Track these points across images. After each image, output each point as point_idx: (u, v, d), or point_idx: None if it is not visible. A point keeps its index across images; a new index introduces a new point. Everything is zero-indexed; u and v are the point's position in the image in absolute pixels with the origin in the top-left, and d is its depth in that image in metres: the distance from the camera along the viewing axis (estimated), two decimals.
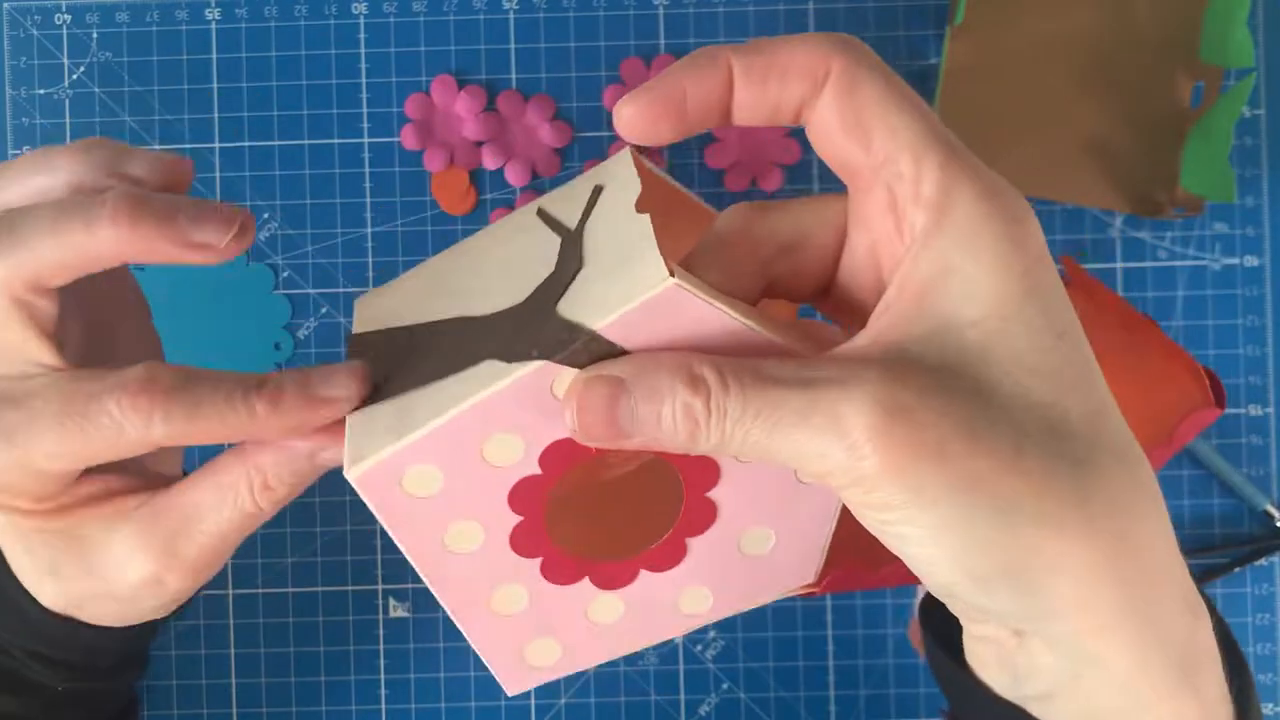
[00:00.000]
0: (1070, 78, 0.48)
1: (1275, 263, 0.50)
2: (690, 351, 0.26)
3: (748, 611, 0.49)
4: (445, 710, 0.50)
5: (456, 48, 0.50)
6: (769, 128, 0.49)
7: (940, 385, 0.24)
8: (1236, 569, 0.49)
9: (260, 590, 0.50)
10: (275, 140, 0.49)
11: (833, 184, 0.49)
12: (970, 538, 0.25)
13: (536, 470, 0.29)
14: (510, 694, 0.35)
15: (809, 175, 0.49)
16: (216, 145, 0.50)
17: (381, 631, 0.50)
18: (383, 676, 0.50)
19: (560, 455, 0.29)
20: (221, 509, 0.32)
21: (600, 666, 0.49)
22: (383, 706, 0.50)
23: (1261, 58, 0.49)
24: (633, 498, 0.31)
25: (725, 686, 0.50)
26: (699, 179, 0.50)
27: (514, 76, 0.49)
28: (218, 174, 0.50)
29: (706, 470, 0.30)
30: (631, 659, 0.49)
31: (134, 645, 0.37)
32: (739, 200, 0.49)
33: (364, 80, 0.50)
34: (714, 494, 0.31)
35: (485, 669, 0.49)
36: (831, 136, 0.26)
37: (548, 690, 0.49)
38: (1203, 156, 0.47)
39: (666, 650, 0.50)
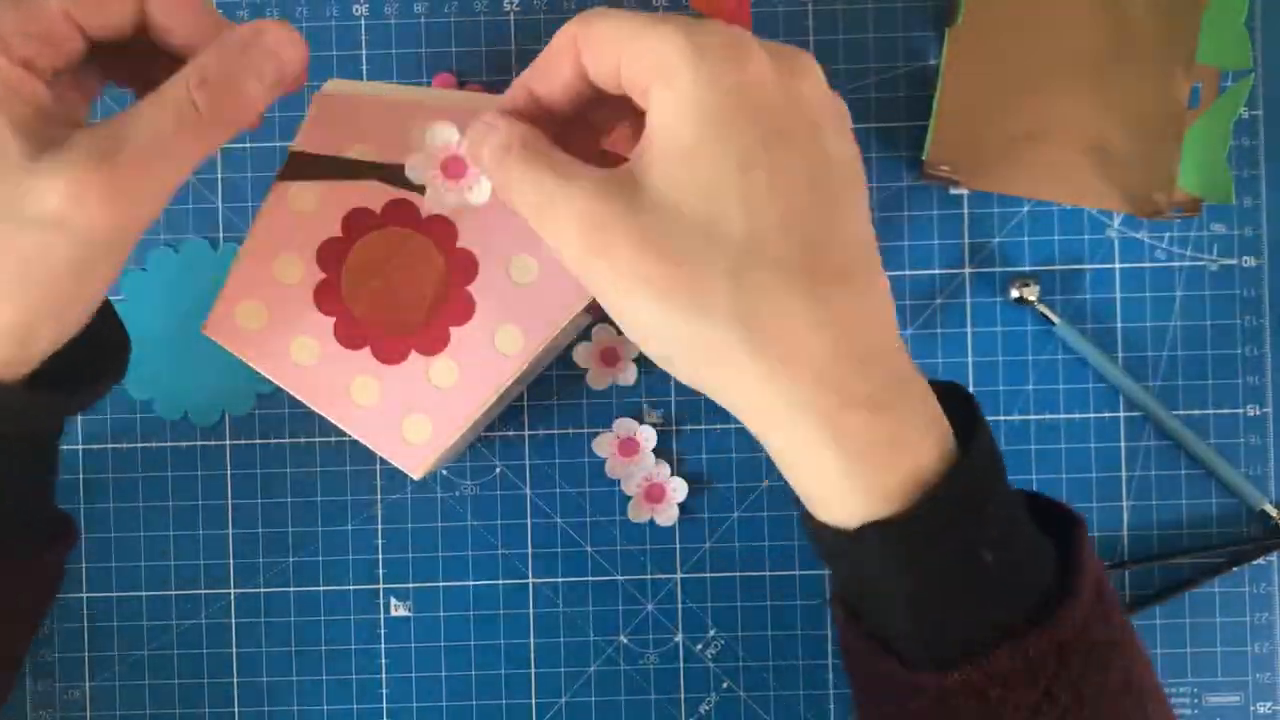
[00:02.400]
0: (1068, 79, 0.48)
1: (1273, 263, 0.50)
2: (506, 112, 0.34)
3: (748, 611, 0.49)
4: (446, 709, 0.50)
5: (457, 49, 0.50)
6: None
7: (628, 205, 0.30)
8: (1235, 568, 0.49)
9: (262, 589, 0.50)
10: (277, 141, 0.49)
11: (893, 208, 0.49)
12: (645, 324, 0.31)
13: (321, 274, 0.39)
14: (417, 477, 0.40)
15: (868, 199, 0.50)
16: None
17: (383, 630, 0.50)
18: (384, 675, 0.50)
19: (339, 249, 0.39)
20: (158, 112, 0.32)
21: (600, 666, 0.49)
22: (384, 705, 0.50)
23: (1259, 59, 0.49)
24: (409, 278, 0.39)
25: (725, 685, 0.50)
26: None
27: (514, 77, 0.50)
28: (219, 175, 0.50)
29: (451, 230, 0.39)
30: (631, 658, 0.50)
31: (33, 417, 0.36)
32: None
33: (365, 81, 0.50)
34: (467, 244, 0.39)
35: (486, 668, 0.49)
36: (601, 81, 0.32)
37: (548, 690, 0.50)
38: (1201, 157, 0.48)
39: (667, 649, 0.50)
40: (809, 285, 0.30)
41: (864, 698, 0.36)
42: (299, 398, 0.40)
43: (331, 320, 0.39)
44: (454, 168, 0.37)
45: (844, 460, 0.30)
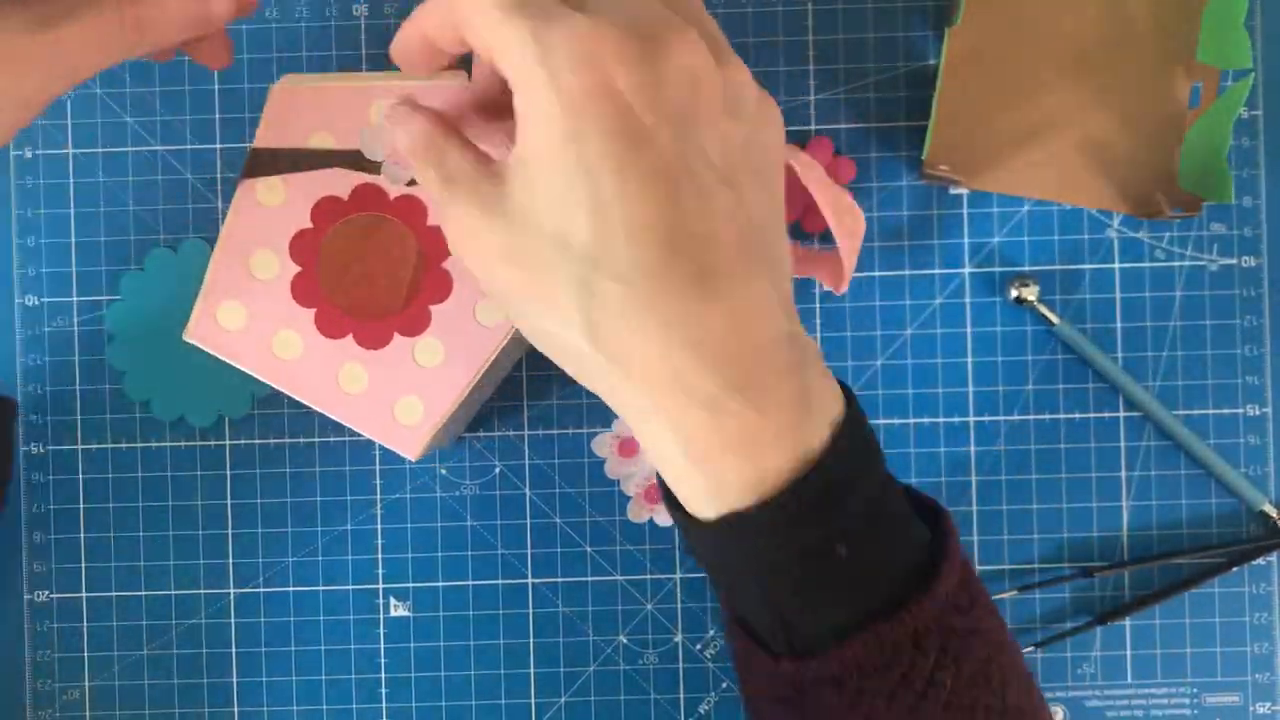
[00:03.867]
0: (1068, 79, 0.48)
1: (1273, 263, 0.50)
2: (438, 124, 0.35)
3: None
4: (446, 709, 0.50)
5: None
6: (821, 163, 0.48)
7: (493, 211, 0.32)
8: (1234, 568, 0.49)
9: (261, 589, 0.50)
10: None
11: (893, 208, 0.49)
12: (523, 328, 0.33)
13: (297, 269, 0.40)
14: (413, 458, 0.40)
15: (868, 199, 0.50)
16: (219, 146, 0.50)
17: (382, 630, 0.50)
18: (384, 675, 0.50)
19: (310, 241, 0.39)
20: (93, 13, 0.35)
21: (599, 666, 0.49)
22: (384, 705, 0.50)
23: (1259, 58, 0.49)
24: (384, 261, 0.40)
25: (725, 685, 0.50)
26: None
27: None
28: (219, 175, 0.50)
29: (420, 208, 0.39)
30: (631, 658, 0.50)
31: None
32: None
33: None
34: (438, 221, 0.39)
35: (485, 668, 0.49)
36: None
37: (548, 689, 0.50)
38: (1200, 157, 0.48)
39: (666, 649, 0.50)
40: (655, 292, 0.30)
41: (742, 682, 0.37)
42: (288, 393, 0.40)
43: (312, 312, 0.40)
44: None
45: (692, 458, 0.31)
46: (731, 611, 0.35)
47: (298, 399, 0.40)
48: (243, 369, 0.40)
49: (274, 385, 0.40)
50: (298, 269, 0.39)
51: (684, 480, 0.32)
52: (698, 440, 0.31)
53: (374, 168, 0.39)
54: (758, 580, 0.32)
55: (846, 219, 0.44)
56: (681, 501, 0.33)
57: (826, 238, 0.49)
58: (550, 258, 0.31)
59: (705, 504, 0.32)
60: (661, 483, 0.34)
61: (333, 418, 0.40)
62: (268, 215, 0.39)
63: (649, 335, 0.30)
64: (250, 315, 0.40)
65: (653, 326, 0.30)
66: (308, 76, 0.39)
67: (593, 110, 0.29)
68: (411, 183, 0.39)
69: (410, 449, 0.40)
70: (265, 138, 0.39)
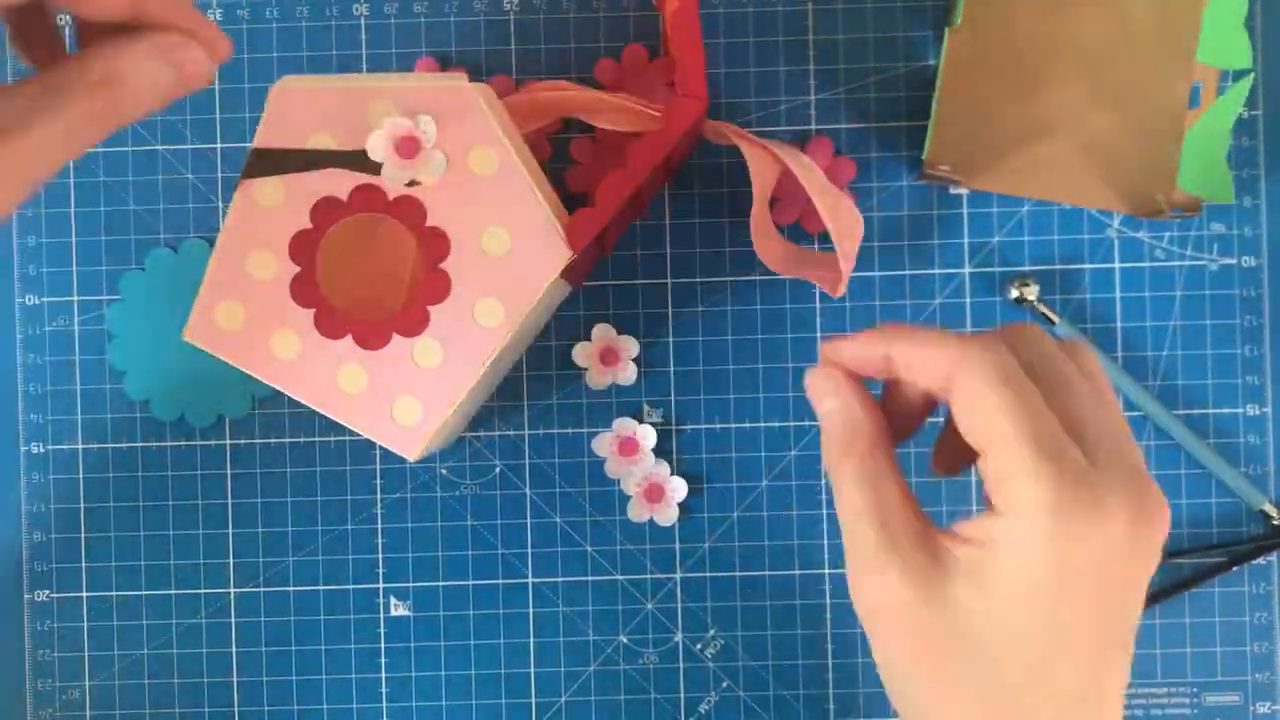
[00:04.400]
0: (1068, 79, 0.48)
1: (1273, 263, 0.50)
2: None
3: (747, 611, 0.49)
4: (446, 708, 0.50)
5: (458, 49, 0.50)
6: (793, 267, 0.48)
7: (948, 622, 0.31)
8: (1234, 568, 0.49)
9: (262, 589, 0.50)
10: None
11: (893, 208, 0.49)
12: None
13: (296, 268, 0.40)
14: (412, 459, 0.40)
15: (868, 199, 0.50)
16: (219, 146, 0.50)
17: (383, 630, 0.50)
18: (384, 675, 0.50)
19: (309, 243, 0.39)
20: (61, 102, 0.31)
21: (599, 665, 0.49)
22: (384, 705, 0.50)
23: (1259, 58, 0.49)
24: (383, 261, 0.39)
25: (725, 685, 0.50)
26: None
27: (515, 77, 0.50)
28: (220, 175, 0.50)
29: (419, 209, 0.39)
30: (631, 657, 0.50)
31: None
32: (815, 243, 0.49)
33: None
34: (437, 221, 0.39)
35: (486, 668, 0.49)
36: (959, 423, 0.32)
37: (548, 689, 0.50)
38: (1200, 157, 0.48)
39: (666, 649, 0.50)
40: None
41: None
42: (286, 392, 0.40)
43: (310, 312, 0.40)
44: (407, 148, 0.38)
45: None
46: None
47: (296, 398, 0.40)
48: (241, 368, 0.40)
49: (272, 385, 0.40)
50: (296, 269, 0.39)
51: None
52: None
53: (374, 168, 0.39)
54: None
55: (844, 221, 0.44)
56: None
57: (826, 239, 0.49)
58: (998, 694, 0.30)
59: None
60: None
61: (331, 418, 0.40)
62: (266, 216, 0.39)
63: None
64: (248, 315, 0.40)
65: None
66: (307, 78, 0.39)
67: (1090, 572, 0.30)
68: (412, 183, 0.39)
69: (409, 449, 0.40)
70: (265, 138, 0.39)
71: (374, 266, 0.40)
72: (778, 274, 0.47)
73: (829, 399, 0.34)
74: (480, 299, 0.40)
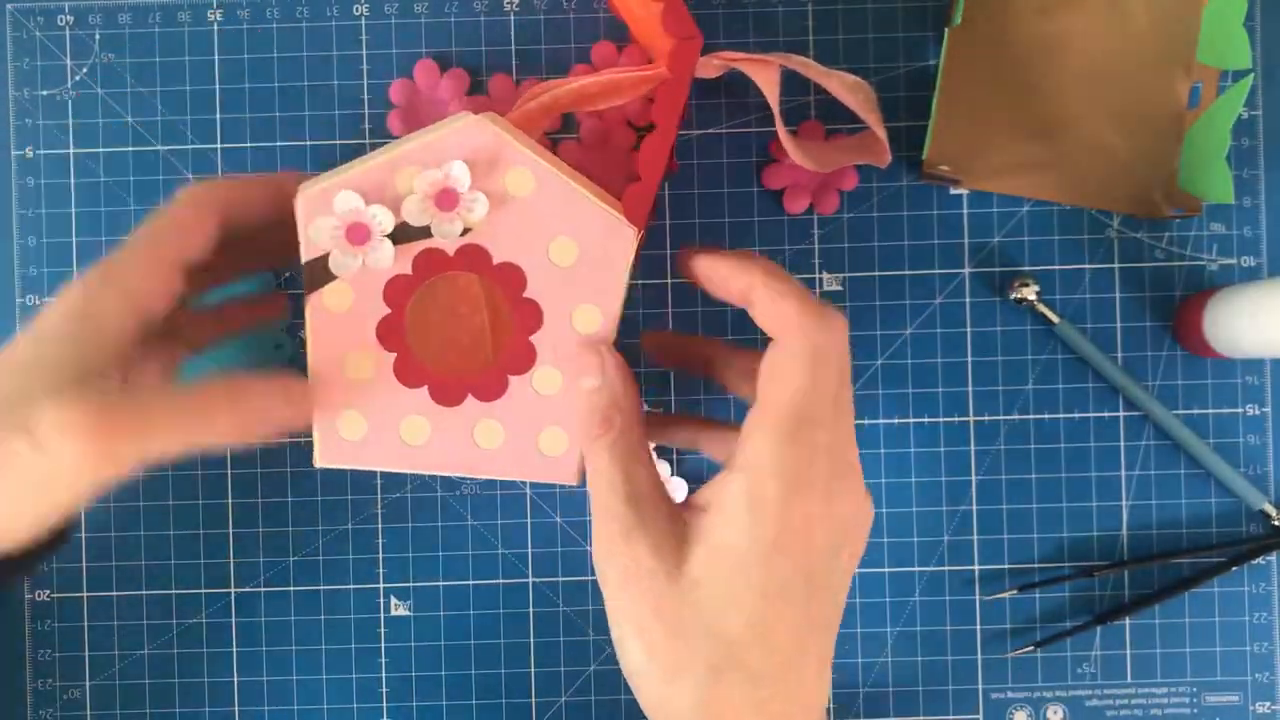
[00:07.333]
0: (1068, 79, 0.48)
1: (1273, 263, 0.50)
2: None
3: None
4: (446, 708, 0.50)
5: (458, 49, 0.50)
6: (832, 162, 0.48)
7: (667, 575, 0.34)
8: (1234, 568, 0.49)
9: (262, 589, 0.50)
10: (278, 141, 0.50)
11: (892, 208, 0.49)
12: (629, 665, 0.36)
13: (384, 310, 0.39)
14: (575, 484, 0.40)
15: (868, 199, 0.50)
16: (219, 146, 0.50)
17: (383, 630, 0.50)
18: (384, 675, 0.50)
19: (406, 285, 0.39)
20: (170, 400, 0.36)
21: (600, 665, 0.49)
22: (384, 705, 0.50)
23: (1259, 59, 0.49)
24: (463, 318, 0.39)
25: None
26: (758, 202, 0.50)
27: (515, 78, 0.50)
28: (220, 175, 0.50)
29: (484, 253, 0.39)
30: None
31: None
32: (796, 222, 0.48)
33: (365, 81, 0.50)
34: (505, 258, 0.39)
35: (486, 668, 0.49)
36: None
37: (548, 689, 0.50)
38: (1200, 157, 0.48)
39: None
40: (761, 693, 0.34)
41: None
42: (440, 474, 0.40)
43: (423, 389, 0.40)
44: (446, 200, 0.37)
45: None
46: None
47: (450, 475, 0.40)
48: (390, 470, 0.40)
49: (424, 473, 0.40)
50: (392, 355, 0.39)
51: None
52: None
53: (423, 232, 0.38)
54: None
55: (860, 95, 0.45)
56: None
57: (830, 221, 0.49)
58: (700, 636, 0.34)
59: None
60: None
61: (485, 477, 0.40)
62: (343, 318, 0.39)
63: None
64: (369, 418, 0.39)
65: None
66: (322, 177, 0.38)
67: (793, 545, 0.34)
68: (465, 232, 0.38)
69: (567, 476, 0.40)
70: (309, 249, 0.38)
71: (457, 323, 0.39)
72: (822, 171, 0.47)
73: (595, 377, 0.38)
74: (574, 310, 0.39)
